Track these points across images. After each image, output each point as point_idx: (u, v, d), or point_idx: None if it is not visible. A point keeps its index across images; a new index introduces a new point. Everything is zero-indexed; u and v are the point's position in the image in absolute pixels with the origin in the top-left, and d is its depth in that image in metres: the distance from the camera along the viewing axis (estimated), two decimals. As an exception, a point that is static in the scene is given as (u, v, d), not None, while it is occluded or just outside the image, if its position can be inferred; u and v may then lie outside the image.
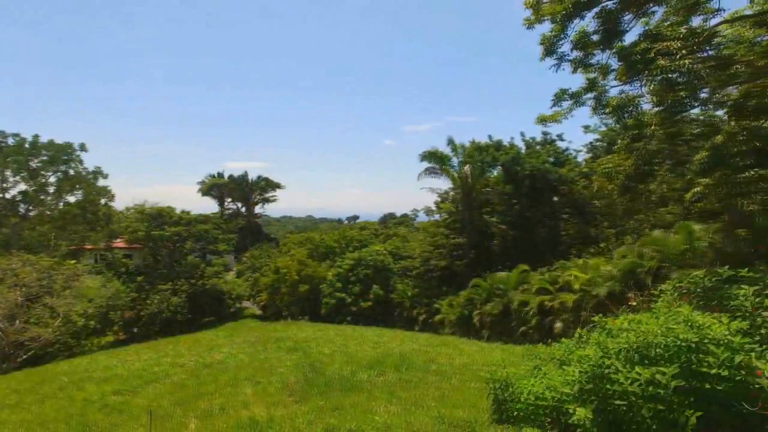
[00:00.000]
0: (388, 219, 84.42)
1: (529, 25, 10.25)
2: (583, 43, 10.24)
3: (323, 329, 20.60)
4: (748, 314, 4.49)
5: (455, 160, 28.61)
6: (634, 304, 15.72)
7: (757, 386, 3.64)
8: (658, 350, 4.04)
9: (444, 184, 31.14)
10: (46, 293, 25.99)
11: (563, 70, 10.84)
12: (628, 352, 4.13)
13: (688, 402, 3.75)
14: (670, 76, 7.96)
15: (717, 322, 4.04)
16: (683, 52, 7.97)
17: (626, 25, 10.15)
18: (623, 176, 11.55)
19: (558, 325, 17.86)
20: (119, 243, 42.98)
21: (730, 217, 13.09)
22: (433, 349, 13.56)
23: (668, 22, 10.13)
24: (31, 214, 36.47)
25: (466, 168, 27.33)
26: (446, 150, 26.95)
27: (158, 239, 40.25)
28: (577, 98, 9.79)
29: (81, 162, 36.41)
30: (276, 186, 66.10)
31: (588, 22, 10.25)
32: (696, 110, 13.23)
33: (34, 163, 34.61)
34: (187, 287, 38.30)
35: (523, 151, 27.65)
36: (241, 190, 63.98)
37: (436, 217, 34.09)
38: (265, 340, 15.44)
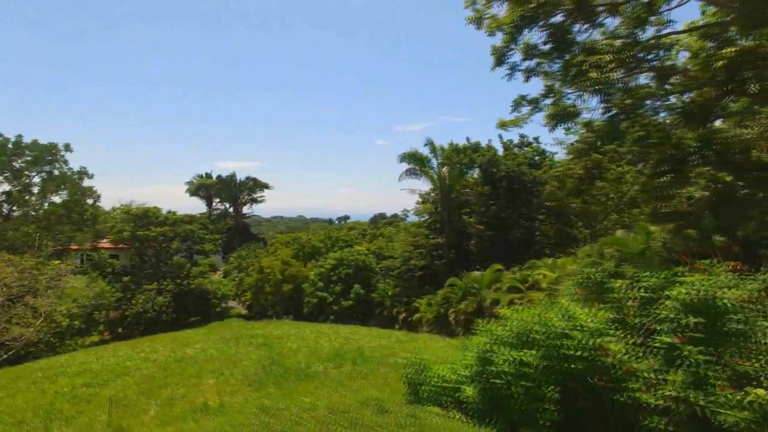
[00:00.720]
0: (378, 219, 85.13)
1: (490, 32, 10.81)
2: (531, 53, 10.92)
3: (301, 327, 21.20)
4: (618, 305, 5.17)
5: (434, 162, 29.28)
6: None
7: (605, 363, 4.33)
8: (535, 336, 4.71)
9: (424, 185, 31.82)
10: (28, 293, 26.27)
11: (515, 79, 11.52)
12: (511, 339, 4.80)
13: (551, 379, 4.42)
14: (599, 87, 8.63)
15: (586, 312, 4.72)
16: (612, 65, 8.64)
17: (578, 36, 10.76)
18: (575, 179, 12.25)
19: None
20: (105, 243, 43.17)
21: (677, 217, 13.89)
22: (401, 345, 14.21)
23: (618, 32, 10.79)
24: (15, 214, 36.67)
25: (445, 169, 28.05)
26: (425, 152, 27.64)
27: (144, 239, 40.58)
28: (535, 104, 10.44)
29: (66, 162, 36.68)
30: (264, 186, 66.54)
31: (536, 34, 10.89)
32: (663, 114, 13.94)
33: (17, 164, 34.83)
34: (173, 287, 38.66)
35: (500, 153, 28.40)
36: (228, 191, 64.32)
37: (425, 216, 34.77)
38: (238, 337, 16.02)
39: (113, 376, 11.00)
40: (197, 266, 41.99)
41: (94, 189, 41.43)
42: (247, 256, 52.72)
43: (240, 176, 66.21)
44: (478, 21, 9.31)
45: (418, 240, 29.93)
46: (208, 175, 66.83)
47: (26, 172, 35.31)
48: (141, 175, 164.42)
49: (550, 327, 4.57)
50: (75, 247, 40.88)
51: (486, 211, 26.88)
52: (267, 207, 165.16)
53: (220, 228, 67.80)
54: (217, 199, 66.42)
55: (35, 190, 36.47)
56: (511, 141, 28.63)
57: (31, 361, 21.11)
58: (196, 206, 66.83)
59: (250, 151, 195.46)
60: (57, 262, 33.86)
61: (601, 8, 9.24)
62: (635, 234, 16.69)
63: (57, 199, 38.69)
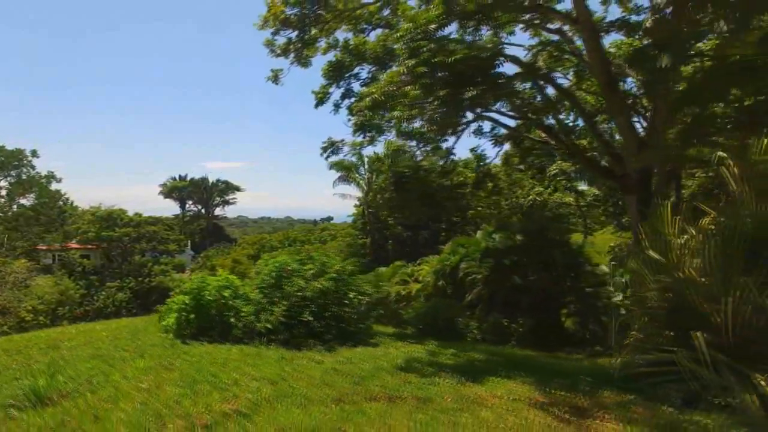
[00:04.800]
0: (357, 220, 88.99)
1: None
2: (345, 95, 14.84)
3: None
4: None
5: (363, 169, 33.31)
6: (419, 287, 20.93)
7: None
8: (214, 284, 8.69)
9: (354, 191, 35.75)
10: (-8, 289, 30.09)
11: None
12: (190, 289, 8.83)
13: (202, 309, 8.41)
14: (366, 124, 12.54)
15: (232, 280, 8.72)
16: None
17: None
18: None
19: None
20: (76, 244, 46.97)
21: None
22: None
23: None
24: (-18, 216, 40.53)
25: (368, 176, 32.08)
26: (354, 160, 31.59)
27: (109, 240, 44.52)
28: (336, 146, 14.26)
29: (33, 167, 40.52)
30: (236, 188, 70.57)
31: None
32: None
33: (-17, 168, 38.61)
34: (134, 284, 42.53)
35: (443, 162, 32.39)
36: (200, 193, 68.26)
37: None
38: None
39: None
40: (158, 265, 45.85)
41: (62, 192, 45.38)
42: (213, 256, 56.73)
43: (229, 177, 70.43)
44: (274, 78, 13.20)
45: (350, 240, 34.00)
46: (182, 178, 70.71)
47: (-8, 176, 39.12)
48: (140, 174, 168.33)
49: (211, 283, 8.56)
50: (44, 247, 44.75)
51: (402, 215, 30.86)
52: (254, 208, 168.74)
53: (193, 229, 71.80)
54: (190, 201, 70.33)
55: (3, 192, 40.33)
56: (427, 151, 32.57)
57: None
58: (173, 208, 70.76)
59: (244, 151, 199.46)
60: (23, 261, 37.81)
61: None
62: (480, 234, 20.73)
63: (26, 202, 42.64)
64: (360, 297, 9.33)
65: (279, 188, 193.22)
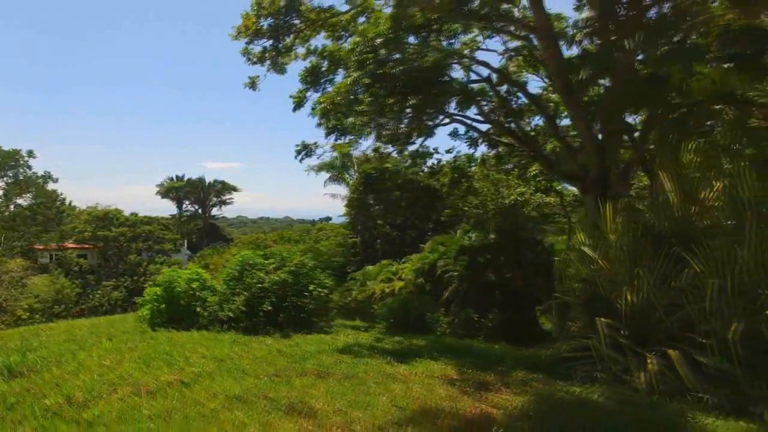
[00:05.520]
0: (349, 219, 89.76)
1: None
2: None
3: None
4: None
5: (352, 171, 34.18)
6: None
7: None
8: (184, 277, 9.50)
9: (344, 190, 36.57)
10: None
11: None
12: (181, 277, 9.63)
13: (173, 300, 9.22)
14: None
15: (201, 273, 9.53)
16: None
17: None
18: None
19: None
20: (73, 243, 47.94)
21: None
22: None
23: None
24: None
25: (356, 177, 32.92)
26: (329, 161, 32.41)
27: (105, 239, 45.47)
28: (309, 148, 15.03)
29: (29, 167, 41.51)
30: (232, 189, 71.49)
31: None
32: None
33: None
34: (130, 283, 43.46)
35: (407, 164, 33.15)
36: (197, 193, 69.20)
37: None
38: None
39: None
40: (154, 264, 46.78)
41: (59, 192, 46.37)
42: (209, 255, 57.65)
43: (229, 177, 71.32)
44: (252, 84, 13.97)
45: (341, 240, 34.86)
46: (179, 178, 71.67)
47: (-11, 177, 40.13)
48: (140, 174, 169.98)
49: (185, 277, 9.38)
50: (40, 247, 45.73)
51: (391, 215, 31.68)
52: (253, 208, 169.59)
53: (190, 229, 72.69)
54: (187, 201, 71.28)
55: (0, 193, 41.31)
56: (414, 151, 33.37)
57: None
58: (172, 208, 71.71)
59: (243, 152, 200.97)
60: (19, 260, 38.76)
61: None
62: (460, 233, 21.52)
63: (23, 202, 43.63)
64: (319, 290, 10.12)
65: (278, 188, 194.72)
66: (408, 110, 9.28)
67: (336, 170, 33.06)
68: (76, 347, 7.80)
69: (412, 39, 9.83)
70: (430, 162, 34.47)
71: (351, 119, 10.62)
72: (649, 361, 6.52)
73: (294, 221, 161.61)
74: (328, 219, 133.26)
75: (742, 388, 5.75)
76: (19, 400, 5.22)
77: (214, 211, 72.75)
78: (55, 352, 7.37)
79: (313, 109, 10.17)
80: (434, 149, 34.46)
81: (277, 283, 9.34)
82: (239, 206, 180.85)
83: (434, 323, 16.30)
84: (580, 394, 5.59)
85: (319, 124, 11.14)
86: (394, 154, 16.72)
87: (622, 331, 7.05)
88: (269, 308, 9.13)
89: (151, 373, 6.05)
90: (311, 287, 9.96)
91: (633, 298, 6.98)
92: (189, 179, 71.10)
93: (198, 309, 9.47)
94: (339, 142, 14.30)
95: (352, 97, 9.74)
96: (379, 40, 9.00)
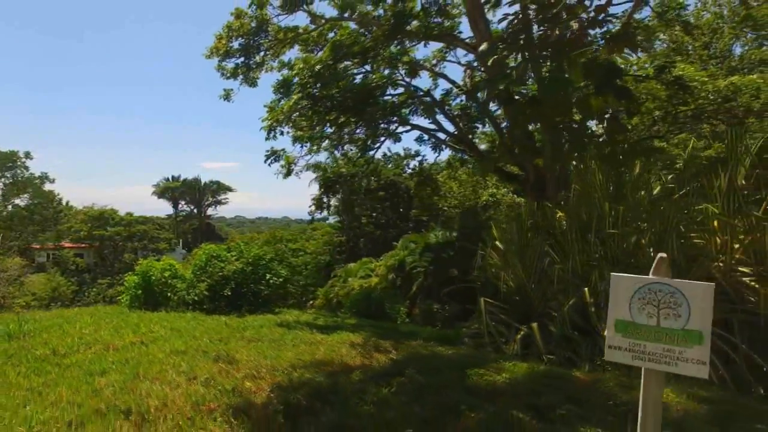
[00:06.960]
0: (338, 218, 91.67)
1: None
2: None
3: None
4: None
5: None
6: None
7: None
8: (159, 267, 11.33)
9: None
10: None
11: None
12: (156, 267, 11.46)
13: (150, 287, 11.06)
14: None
15: (173, 264, 11.37)
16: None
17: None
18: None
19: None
20: (69, 243, 49.88)
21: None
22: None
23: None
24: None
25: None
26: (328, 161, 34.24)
27: (101, 239, 47.46)
28: (278, 154, 16.75)
29: (27, 168, 43.50)
30: (227, 189, 73.52)
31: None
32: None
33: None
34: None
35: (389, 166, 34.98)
36: (192, 193, 71.20)
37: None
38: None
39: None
40: (148, 263, 48.71)
41: (55, 192, 48.38)
42: (203, 255, 59.65)
43: (227, 177, 73.32)
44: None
45: (328, 238, 36.80)
46: (175, 178, 73.68)
47: (-13, 178, 42.10)
48: (139, 174, 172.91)
49: (150, 267, 11.20)
50: (37, 247, 47.72)
51: (374, 214, 33.56)
52: (251, 209, 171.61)
53: (185, 229, 74.66)
54: (183, 202, 73.29)
55: (-3, 193, 43.28)
56: (398, 153, 35.24)
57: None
58: (169, 208, 73.74)
59: (242, 151, 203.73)
60: (17, 259, 40.69)
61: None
62: (429, 232, 23.34)
63: (20, 202, 45.65)
64: (275, 279, 11.95)
65: (277, 188, 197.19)
66: (343, 125, 11.01)
67: (320, 171, 34.84)
68: (63, 321, 9.66)
69: (348, 63, 11.60)
70: (412, 163, 36.39)
71: (299, 132, 12.42)
72: (520, 333, 8.33)
73: (292, 221, 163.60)
74: (326, 219, 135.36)
75: (577, 348, 7.56)
76: (17, 352, 7.09)
77: (210, 211, 74.80)
78: (45, 325, 9.20)
79: (261, 128, 11.91)
80: (415, 152, 36.39)
81: (236, 272, 11.16)
82: (237, 206, 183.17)
83: (394, 313, 18.14)
84: (440, 352, 7.39)
85: (267, 139, 12.89)
86: (357, 159, 18.31)
87: (505, 310, 8.87)
88: (228, 293, 10.95)
89: (120, 337, 7.90)
90: (267, 276, 11.77)
91: (510, 282, 8.81)
92: (185, 179, 73.10)
93: (169, 294, 11.28)
94: (302, 148, 15.82)
95: (296, 114, 11.45)
96: (318, 67, 10.79)
